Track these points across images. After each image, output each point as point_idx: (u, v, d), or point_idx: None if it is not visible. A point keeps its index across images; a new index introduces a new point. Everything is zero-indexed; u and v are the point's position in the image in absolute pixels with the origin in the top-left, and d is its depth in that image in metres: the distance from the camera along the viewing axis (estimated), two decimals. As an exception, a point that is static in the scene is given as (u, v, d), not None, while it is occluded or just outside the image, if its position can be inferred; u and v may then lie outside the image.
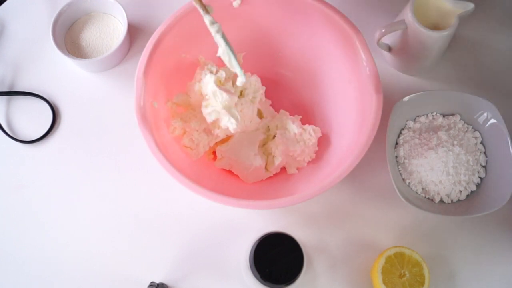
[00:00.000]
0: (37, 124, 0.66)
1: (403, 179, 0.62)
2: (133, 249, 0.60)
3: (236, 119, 0.57)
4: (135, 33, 0.71)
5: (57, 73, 0.69)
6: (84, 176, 0.64)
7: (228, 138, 0.62)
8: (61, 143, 0.66)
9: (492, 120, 0.62)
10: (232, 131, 0.58)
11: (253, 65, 0.65)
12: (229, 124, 0.57)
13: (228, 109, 0.57)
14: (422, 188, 0.61)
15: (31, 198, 0.63)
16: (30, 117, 0.67)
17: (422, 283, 0.55)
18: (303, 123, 0.62)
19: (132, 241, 0.61)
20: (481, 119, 0.63)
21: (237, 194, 0.53)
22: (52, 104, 0.67)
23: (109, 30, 0.70)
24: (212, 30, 0.52)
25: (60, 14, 0.68)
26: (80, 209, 0.62)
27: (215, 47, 0.64)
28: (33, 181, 0.64)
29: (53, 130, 0.66)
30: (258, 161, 0.60)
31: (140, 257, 0.60)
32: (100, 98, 0.68)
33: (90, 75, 0.69)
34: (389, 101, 0.62)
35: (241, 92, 0.60)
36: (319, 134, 0.61)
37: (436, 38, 0.60)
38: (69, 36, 0.70)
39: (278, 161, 0.60)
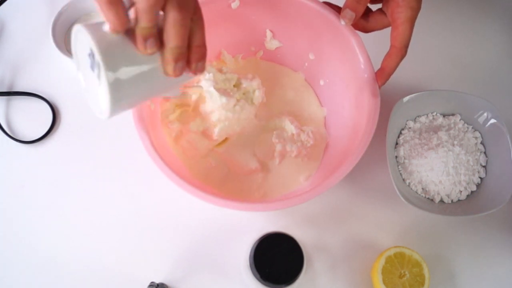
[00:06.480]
0: (37, 124, 0.66)
1: (403, 179, 0.62)
2: (133, 249, 0.60)
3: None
4: (135, 33, 0.71)
5: (57, 73, 0.69)
6: (84, 176, 0.64)
7: (225, 139, 0.62)
8: (61, 143, 0.66)
9: (492, 120, 0.62)
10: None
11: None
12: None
13: (225, 112, 0.57)
14: (422, 188, 0.61)
15: (31, 198, 0.63)
16: (30, 117, 0.67)
17: (422, 283, 0.55)
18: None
19: (132, 241, 0.61)
20: (481, 119, 0.63)
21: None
22: (52, 104, 0.67)
23: (109, 30, 0.70)
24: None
25: (60, 14, 0.68)
26: (80, 209, 0.62)
27: (215, 48, 0.64)
28: (33, 181, 0.64)
29: (53, 130, 0.66)
30: (255, 163, 0.60)
31: (140, 257, 0.60)
32: (100, 98, 0.68)
33: (90, 75, 0.69)
34: (389, 101, 0.62)
35: (238, 89, 0.60)
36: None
37: None
38: (69, 36, 0.69)
39: (274, 163, 0.60)
